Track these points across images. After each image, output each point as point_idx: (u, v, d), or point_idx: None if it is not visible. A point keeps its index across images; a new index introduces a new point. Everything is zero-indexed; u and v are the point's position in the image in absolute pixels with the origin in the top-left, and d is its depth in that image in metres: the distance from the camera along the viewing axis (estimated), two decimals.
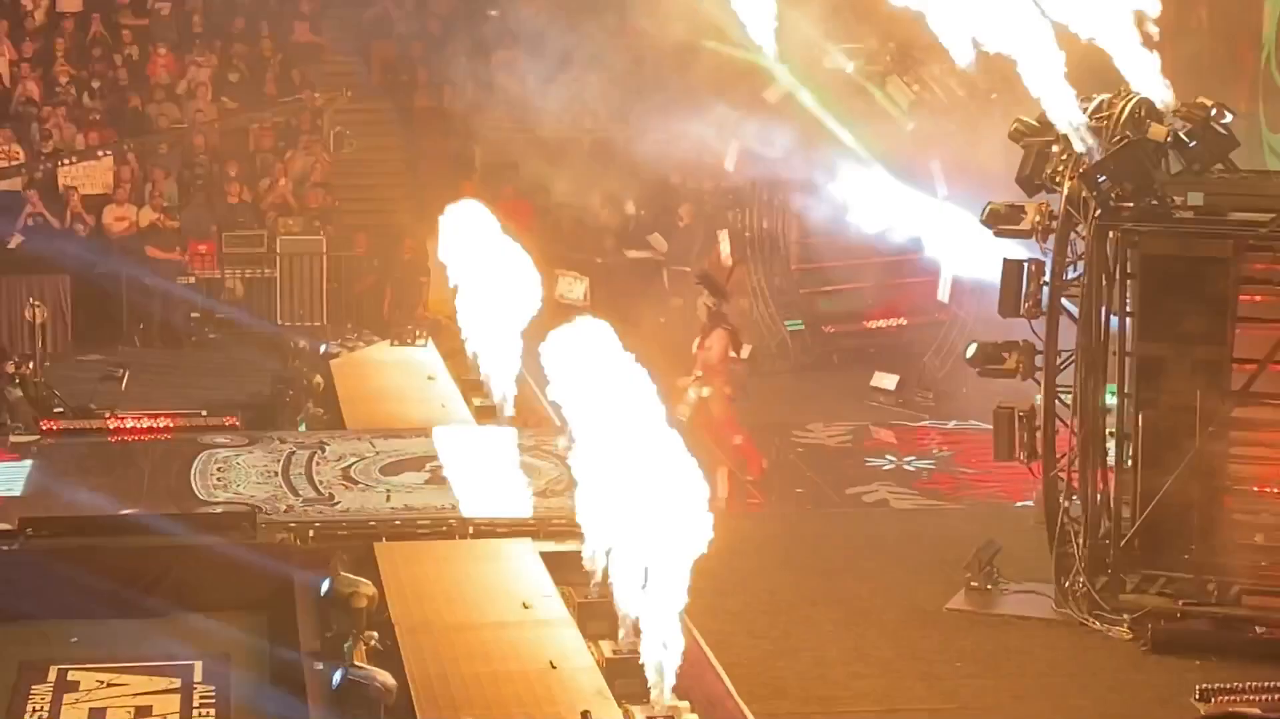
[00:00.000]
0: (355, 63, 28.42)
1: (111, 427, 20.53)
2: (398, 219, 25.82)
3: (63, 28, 27.67)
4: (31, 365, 21.46)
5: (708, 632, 13.97)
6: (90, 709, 14.95)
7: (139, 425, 20.53)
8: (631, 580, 13.30)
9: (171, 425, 20.54)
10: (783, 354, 22.74)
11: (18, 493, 18.25)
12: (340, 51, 28.34)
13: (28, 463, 19.13)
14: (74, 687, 15.26)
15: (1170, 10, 24.70)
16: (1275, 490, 15.05)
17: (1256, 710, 12.53)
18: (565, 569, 16.41)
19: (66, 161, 25.00)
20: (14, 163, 24.92)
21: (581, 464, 13.69)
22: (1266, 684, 13.14)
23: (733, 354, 19.08)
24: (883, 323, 23.28)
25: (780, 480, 19.03)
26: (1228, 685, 13.20)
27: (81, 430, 20.37)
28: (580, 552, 15.53)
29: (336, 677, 14.17)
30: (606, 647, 14.63)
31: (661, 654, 13.03)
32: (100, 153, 25.01)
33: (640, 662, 13.25)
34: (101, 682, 15.38)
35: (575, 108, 25.34)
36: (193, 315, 23.75)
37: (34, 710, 14.85)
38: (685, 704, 13.43)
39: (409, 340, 23.96)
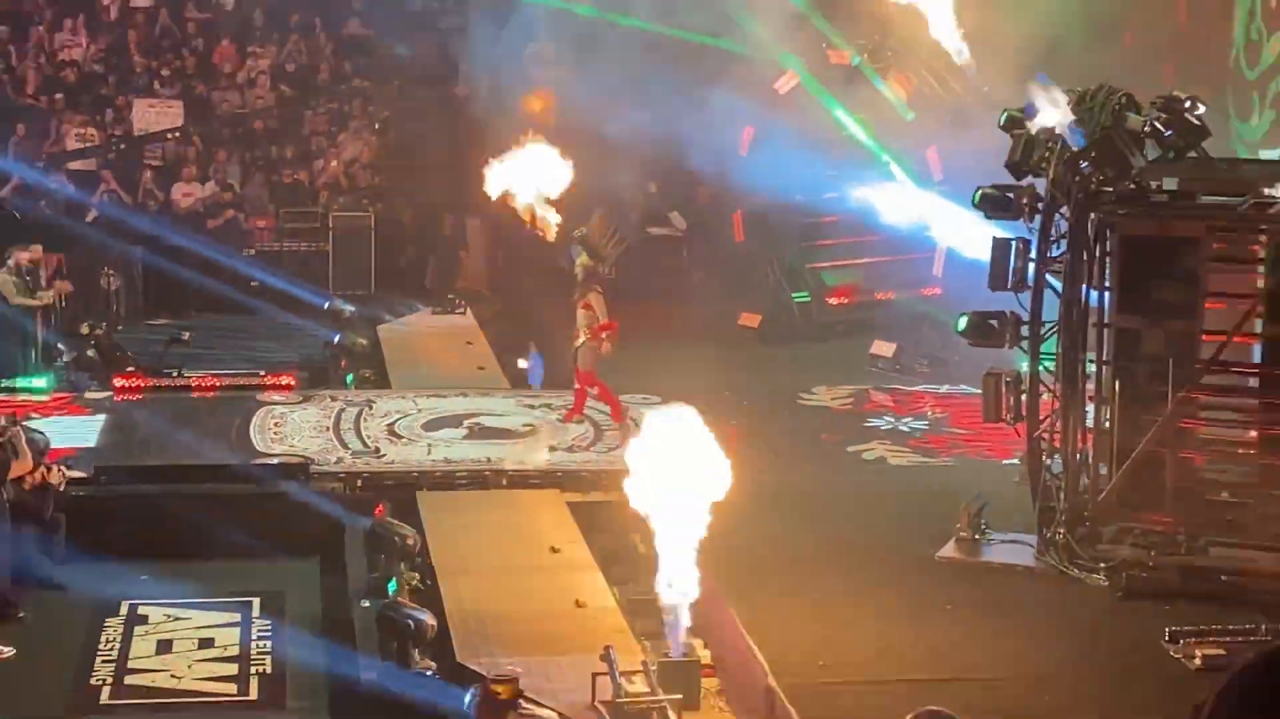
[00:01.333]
0: (401, 54, 28.37)
1: (178, 384, 20.64)
2: (438, 198, 25.80)
3: (135, 20, 27.70)
4: (105, 328, 21.57)
5: (721, 578, 14.05)
6: (158, 641, 15.10)
7: (203, 383, 20.64)
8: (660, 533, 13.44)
9: (232, 384, 20.63)
10: (790, 323, 22.72)
11: (92, 444, 18.36)
12: (388, 43, 28.26)
13: (102, 417, 19.25)
14: (143, 620, 15.42)
15: (1153, 10, 24.83)
16: (1240, 450, 15.12)
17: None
18: (589, 517, 16.56)
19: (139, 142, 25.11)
20: (90, 144, 25.02)
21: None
22: (1230, 627, 13.26)
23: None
24: (882, 295, 23.26)
25: (781, 437, 19.00)
26: (1195, 628, 13.27)
27: (150, 387, 20.44)
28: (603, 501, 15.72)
29: (380, 613, 14.33)
30: (628, 590, 14.80)
31: (679, 597, 13.16)
32: (169, 135, 25.05)
33: (660, 603, 13.36)
34: (168, 616, 15.53)
35: (600, 96, 25.38)
36: (252, 284, 23.78)
37: (107, 642, 14.99)
38: (699, 641, 13.56)
39: (449, 309, 24.06)
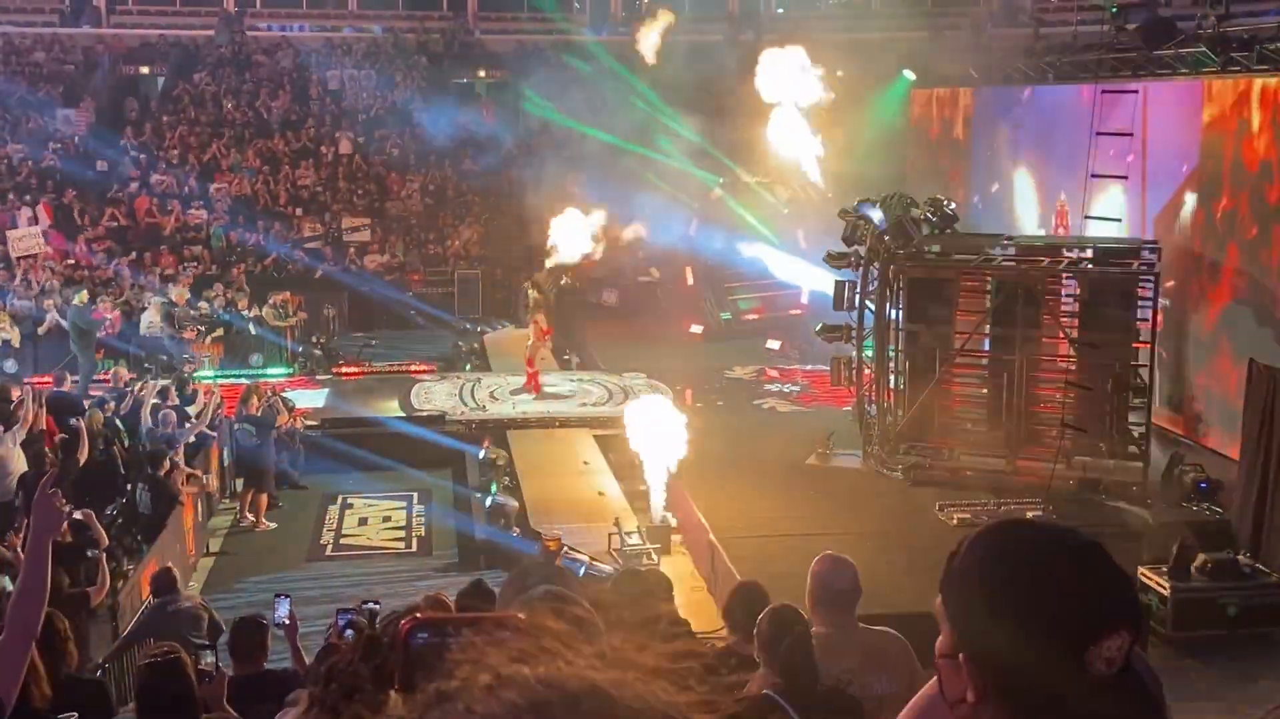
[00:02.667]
0: (492, 179, 28.25)
1: (369, 370, 20.60)
2: (516, 262, 25.80)
3: (342, 161, 27.65)
4: (325, 338, 21.59)
5: (681, 477, 14.06)
6: (359, 518, 15.15)
7: (383, 369, 20.64)
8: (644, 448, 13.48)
9: (400, 369, 20.60)
10: (719, 331, 22.73)
11: (320, 404, 18.40)
12: (484, 172, 28.15)
13: (325, 390, 19.29)
14: (350, 507, 15.46)
15: (925, 150, 24.81)
16: (973, 401, 15.15)
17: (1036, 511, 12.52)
18: (606, 445, 16.59)
19: (347, 218, 25.12)
20: (315, 233, 25.00)
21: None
22: (971, 502, 13.35)
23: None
24: (771, 314, 23.25)
25: (715, 397, 18.93)
26: (954, 503, 13.35)
27: (353, 372, 20.43)
28: (614, 434, 15.73)
29: (487, 502, 14.36)
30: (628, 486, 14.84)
31: (658, 489, 13.22)
32: (363, 225, 25.04)
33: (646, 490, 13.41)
34: (365, 503, 15.58)
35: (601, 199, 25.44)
36: (411, 312, 23.79)
37: (329, 519, 15.06)
38: (670, 514, 13.61)
39: (525, 326, 24.07)
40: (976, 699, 1.54)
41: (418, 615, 1.06)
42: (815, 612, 4.72)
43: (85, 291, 19.49)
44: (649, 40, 24.02)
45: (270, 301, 20.67)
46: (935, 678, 1.66)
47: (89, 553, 9.14)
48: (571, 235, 19.34)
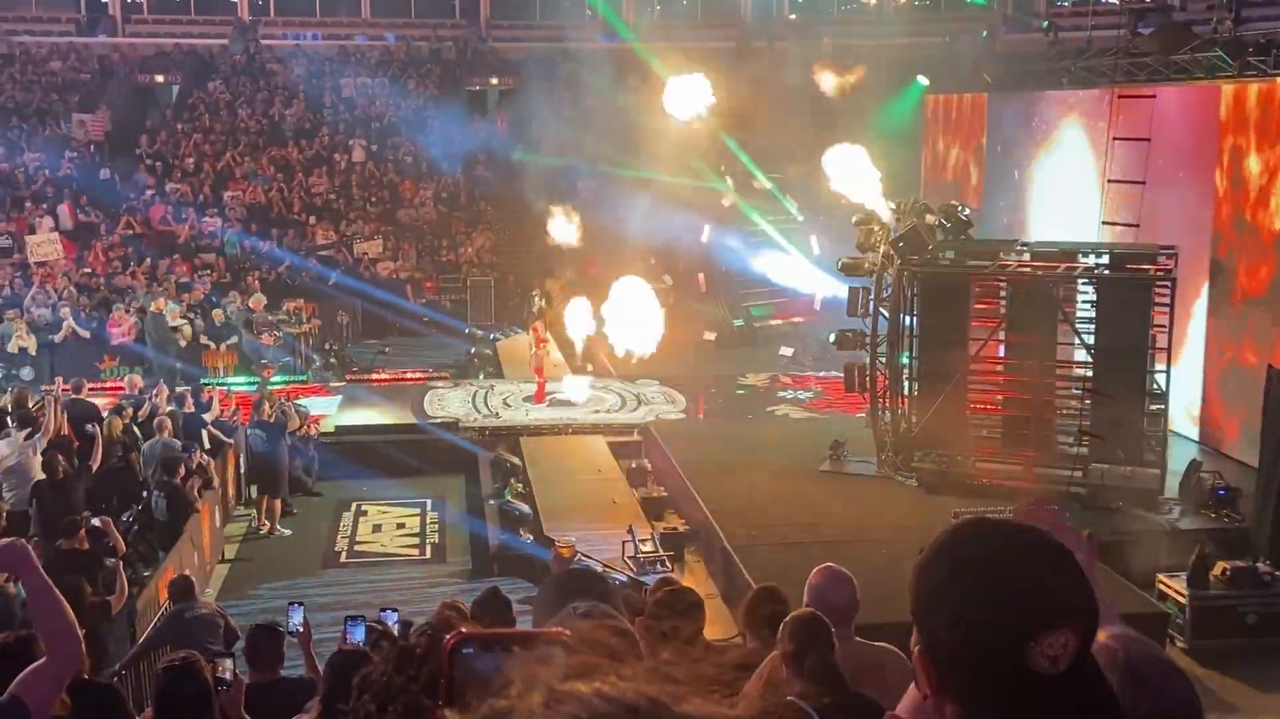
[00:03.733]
0: (504, 189, 28.32)
1: (382, 377, 20.64)
2: (528, 270, 25.83)
3: (355, 169, 27.71)
4: (340, 345, 21.62)
5: (695, 484, 14.03)
6: (373, 525, 15.14)
7: (396, 376, 20.66)
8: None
9: (413, 376, 20.62)
10: (732, 337, 22.69)
11: (333, 412, 18.40)
12: (496, 180, 28.20)
13: (339, 397, 19.30)
14: (364, 514, 15.46)
15: (950, 142, 24.78)
16: (988, 408, 15.10)
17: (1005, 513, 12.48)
18: (619, 451, 16.58)
19: (359, 240, 25.13)
20: (329, 241, 25.02)
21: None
22: (987, 509, 13.15)
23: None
24: (785, 320, 23.22)
25: (729, 403, 18.89)
26: (968, 510, 13.15)
27: (365, 380, 20.45)
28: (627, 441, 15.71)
29: (500, 508, 14.35)
30: (641, 493, 14.82)
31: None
32: (376, 236, 25.06)
33: (661, 495, 13.37)
34: (379, 510, 15.58)
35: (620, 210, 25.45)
36: (424, 320, 23.80)
37: (343, 526, 15.03)
38: (683, 521, 13.56)
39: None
40: (931, 693, 1.56)
41: (464, 631, 1.05)
42: None
43: (162, 298, 19.62)
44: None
45: (284, 308, 20.70)
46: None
47: (107, 561, 9.17)
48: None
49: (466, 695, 1.03)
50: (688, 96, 20.36)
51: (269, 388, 16.51)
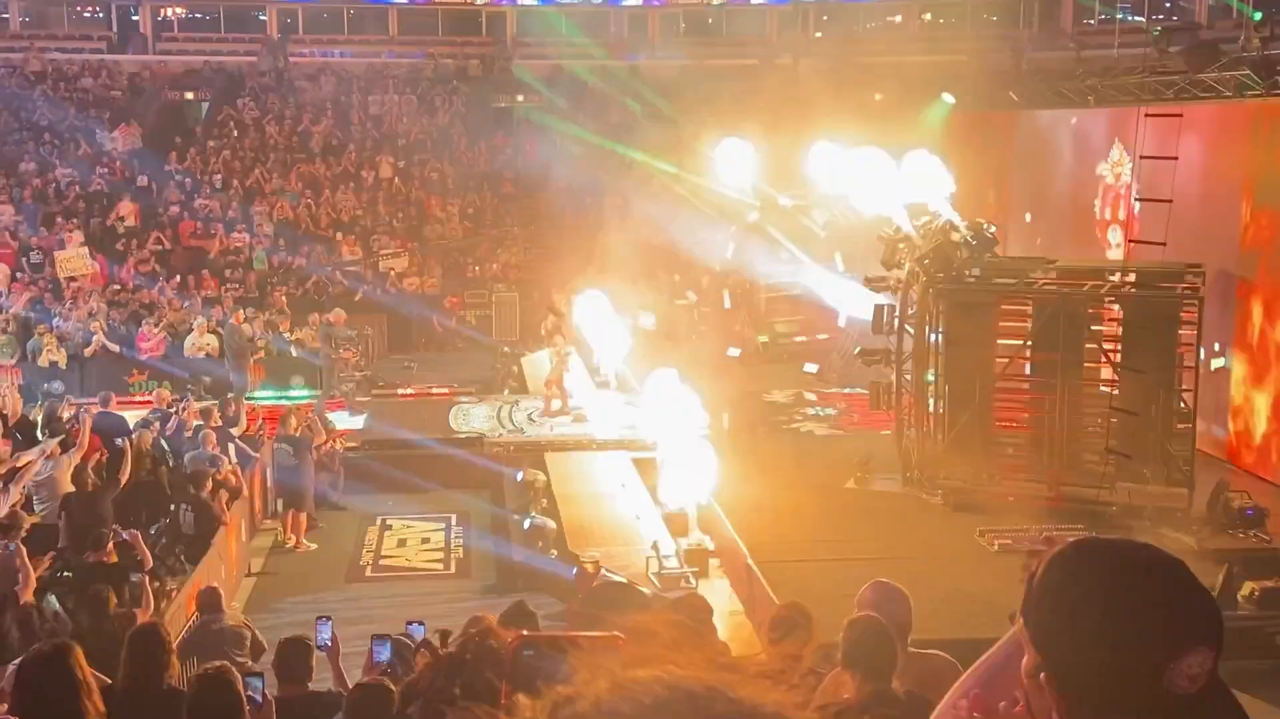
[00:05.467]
0: (529, 201, 28.45)
1: (408, 393, 20.69)
2: (553, 284, 25.89)
3: (382, 185, 27.91)
4: (365, 360, 21.69)
5: (720, 501, 14.03)
6: (397, 540, 15.17)
7: (422, 391, 20.72)
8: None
9: (438, 391, 20.66)
10: (756, 354, 22.67)
11: (359, 426, 18.47)
12: (524, 196, 28.35)
13: (366, 413, 19.38)
14: (389, 528, 15.48)
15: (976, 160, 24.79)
16: (1014, 426, 15.05)
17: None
18: (642, 468, 16.55)
19: (386, 257, 25.27)
20: (356, 257, 25.15)
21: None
22: (1013, 528, 13.24)
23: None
24: (809, 337, 23.15)
25: (756, 419, 18.85)
26: (994, 529, 13.23)
27: (391, 395, 20.51)
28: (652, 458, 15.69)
29: (525, 523, 14.38)
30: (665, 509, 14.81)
31: (691, 505, 13.20)
32: (403, 252, 25.18)
33: (685, 512, 13.38)
34: (403, 525, 15.61)
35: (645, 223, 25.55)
36: (446, 328, 23.86)
37: (368, 541, 15.06)
38: (707, 536, 13.57)
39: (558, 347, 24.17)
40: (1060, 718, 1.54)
41: (525, 633, 1.10)
42: None
43: (241, 311, 19.83)
44: None
45: (309, 323, 20.76)
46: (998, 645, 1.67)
47: (133, 576, 9.26)
48: None
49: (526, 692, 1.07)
50: (734, 159, 20.51)
51: (297, 403, 16.63)
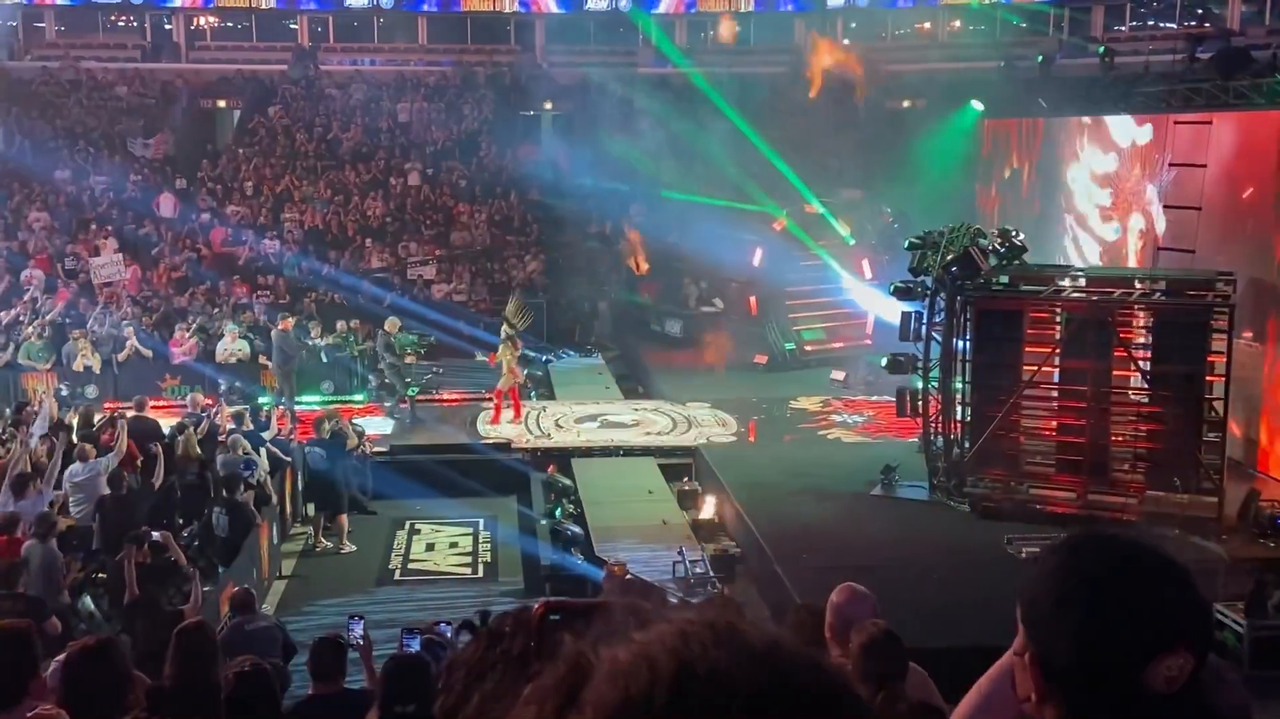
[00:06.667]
0: (556, 214, 28.51)
1: (435, 399, 20.60)
2: (581, 292, 25.95)
3: (410, 193, 28.06)
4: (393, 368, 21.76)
5: (746, 507, 14.08)
6: (426, 543, 15.32)
7: (449, 397, 20.75)
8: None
9: (465, 398, 20.67)
10: (783, 361, 22.66)
11: (389, 431, 18.61)
12: (548, 205, 28.41)
13: (393, 419, 19.51)
14: (418, 532, 15.63)
15: (1004, 166, 24.73)
16: (1042, 434, 15.01)
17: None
18: (669, 473, 16.66)
19: (414, 264, 25.38)
20: (385, 264, 25.32)
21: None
22: (1040, 535, 13.11)
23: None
24: (836, 344, 23.13)
25: (780, 426, 18.88)
26: (1022, 536, 13.18)
27: (426, 401, 20.35)
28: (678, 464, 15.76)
29: (552, 527, 14.47)
30: (692, 514, 14.89)
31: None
32: (431, 259, 25.27)
33: (713, 518, 13.41)
34: (432, 529, 15.75)
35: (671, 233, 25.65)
36: (473, 329, 23.87)
37: (397, 545, 15.21)
38: (734, 542, 13.61)
39: (587, 353, 24.24)
40: (1039, 700, 1.59)
41: (549, 599, 1.15)
42: (833, 643, 4.60)
43: (290, 318, 20.04)
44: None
45: (336, 329, 20.89)
46: (995, 666, 1.72)
47: (185, 570, 9.41)
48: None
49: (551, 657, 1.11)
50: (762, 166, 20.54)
51: (331, 407, 16.79)
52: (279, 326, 19.49)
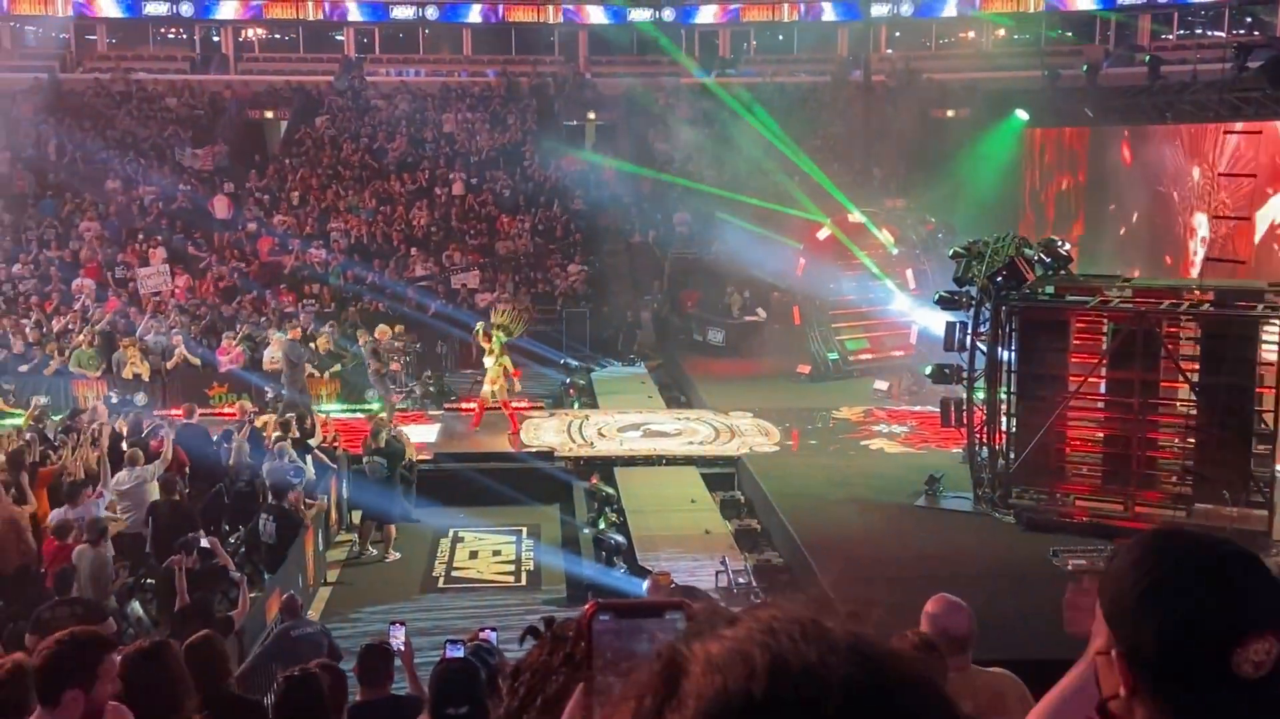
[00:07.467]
0: (598, 224, 28.62)
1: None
2: (623, 300, 26.03)
3: (454, 203, 28.28)
4: (438, 374, 21.94)
5: (789, 517, 14.05)
6: (469, 551, 15.36)
7: (492, 406, 20.84)
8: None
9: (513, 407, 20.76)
10: (826, 371, 22.55)
11: (433, 439, 18.73)
12: (589, 214, 28.54)
13: (438, 425, 19.62)
14: (461, 540, 15.69)
15: (1050, 176, 24.58)
16: (1090, 444, 14.87)
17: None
18: (712, 482, 16.65)
19: (456, 273, 25.50)
20: (429, 271, 25.46)
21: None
22: (1087, 547, 13.08)
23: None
24: (880, 354, 23.01)
25: (825, 437, 18.78)
26: (1068, 548, 13.09)
27: (459, 409, 20.70)
28: (721, 473, 15.70)
29: (594, 537, 14.49)
30: (734, 524, 14.87)
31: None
32: (474, 269, 25.40)
33: (755, 527, 13.37)
34: (476, 537, 15.80)
35: (715, 242, 25.66)
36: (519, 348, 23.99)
37: (440, 553, 15.27)
38: (775, 553, 13.55)
39: (630, 363, 24.29)
40: (1128, 695, 1.62)
41: (599, 600, 1.16)
42: None
43: (298, 327, 20.25)
44: None
45: (374, 336, 20.94)
46: (1069, 674, 1.73)
47: (233, 575, 9.54)
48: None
49: (606, 659, 1.13)
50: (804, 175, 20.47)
51: (378, 416, 16.91)
52: (287, 335, 19.63)
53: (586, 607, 1.18)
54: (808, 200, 23.74)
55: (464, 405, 20.24)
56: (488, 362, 18.78)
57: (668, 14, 35.08)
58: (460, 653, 6.23)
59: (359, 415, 19.09)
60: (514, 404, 19.15)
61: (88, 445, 13.01)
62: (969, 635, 4.82)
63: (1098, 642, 1.68)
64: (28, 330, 20.90)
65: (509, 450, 17.97)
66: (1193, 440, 13.77)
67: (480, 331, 18.95)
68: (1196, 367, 13.80)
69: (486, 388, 18.80)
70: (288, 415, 15.73)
